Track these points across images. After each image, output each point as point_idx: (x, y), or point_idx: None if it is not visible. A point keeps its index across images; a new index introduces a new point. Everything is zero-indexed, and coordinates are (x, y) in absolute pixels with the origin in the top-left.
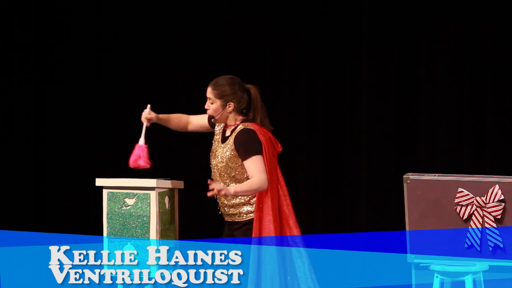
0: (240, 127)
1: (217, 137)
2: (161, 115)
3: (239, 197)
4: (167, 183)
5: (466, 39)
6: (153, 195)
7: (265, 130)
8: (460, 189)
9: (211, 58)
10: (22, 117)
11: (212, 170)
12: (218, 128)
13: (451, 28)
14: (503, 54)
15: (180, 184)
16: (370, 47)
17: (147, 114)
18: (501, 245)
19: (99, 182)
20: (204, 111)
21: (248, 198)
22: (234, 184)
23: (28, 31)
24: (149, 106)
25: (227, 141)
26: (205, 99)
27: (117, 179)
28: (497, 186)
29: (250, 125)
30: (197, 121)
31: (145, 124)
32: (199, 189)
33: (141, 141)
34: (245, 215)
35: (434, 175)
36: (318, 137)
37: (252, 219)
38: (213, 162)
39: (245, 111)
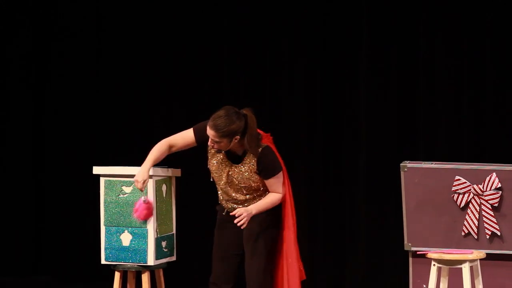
0: (259, 149)
1: (219, 157)
2: (149, 167)
3: (256, 199)
4: (164, 171)
5: (465, 27)
6: (150, 183)
7: (267, 135)
8: (457, 177)
9: (209, 54)
10: (20, 106)
11: (223, 186)
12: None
13: (450, 16)
14: (502, 42)
15: (177, 172)
16: (370, 36)
17: (143, 185)
18: (498, 233)
19: (97, 170)
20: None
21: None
22: (251, 194)
23: (26, 24)
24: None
25: (243, 162)
26: (202, 99)
27: (114, 167)
28: (494, 174)
29: (263, 142)
30: (183, 143)
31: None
32: (196, 177)
33: (143, 198)
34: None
35: (431, 163)
36: (317, 126)
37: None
38: (225, 180)
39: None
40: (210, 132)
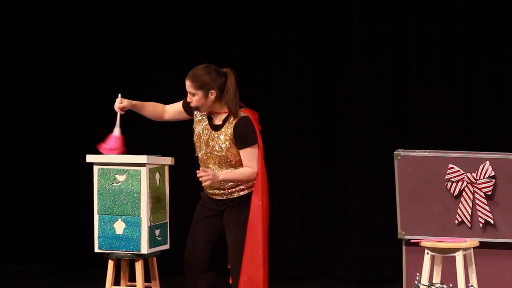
0: (237, 116)
1: (204, 124)
2: (134, 102)
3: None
4: (157, 159)
5: (457, 16)
6: (143, 171)
7: (253, 112)
8: (450, 165)
9: (198, 44)
10: (12, 95)
11: (203, 157)
12: (199, 115)
13: (442, 6)
14: (493, 30)
15: (170, 161)
16: (361, 21)
17: (119, 103)
18: (492, 222)
19: (90, 158)
20: (180, 98)
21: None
22: (228, 169)
23: (18, 16)
24: (120, 95)
25: (222, 130)
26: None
27: (108, 155)
28: (487, 162)
29: (244, 112)
30: (173, 109)
31: (118, 113)
32: (189, 165)
33: (116, 131)
34: (241, 192)
35: (425, 152)
36: (309, 113)
37: (247, 193)
38: (205, 149)
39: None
40: (186, 83)
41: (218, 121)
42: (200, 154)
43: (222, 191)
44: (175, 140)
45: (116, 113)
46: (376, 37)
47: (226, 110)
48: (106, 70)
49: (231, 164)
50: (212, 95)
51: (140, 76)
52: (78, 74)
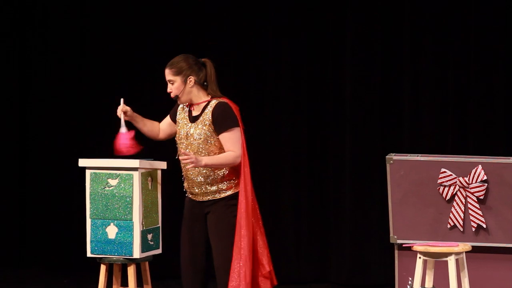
0: (214, 102)
1: (183, 121)
2: (136, 113)
3: (217, 172)
4: (150, 164)
5: (450, 21)
6: (136, 175)
7: (235, 104)
8: (443, 170)
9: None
10: (5, 99)
11: (184, 150)
12: (182, 114)
13: (436, 9)
14: (486, 36)
15: (162, 165)
16: (355, 24)
17: (122, 107)
18: (484, 226)
19: (82, 162)
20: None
21: (224, 174)
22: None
23: (11, 17)
24: (122, 99)
25: (200, 119)
26: None
27: (100, 159)
28: (480, 167)
29: (222, 99)
30: (164, 124)
31: (122, 117)
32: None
33: (123, 129)
34: (225, 192)
35: (417, 156)
36: (301, 117)
37: (232, 194)
38: (186, 142)
39: (206, 84)
40: (166, 71)
41: (196, 111)
42: (182, 146)
43: (203, 191)
44: (167, 145)
45: (120, 117)
46: (369, 41)
47: (205, 100)
48: (99, 75)
49: (211, 153)
50: (191, 81)
51: (136, 81)
52: (71, 79)
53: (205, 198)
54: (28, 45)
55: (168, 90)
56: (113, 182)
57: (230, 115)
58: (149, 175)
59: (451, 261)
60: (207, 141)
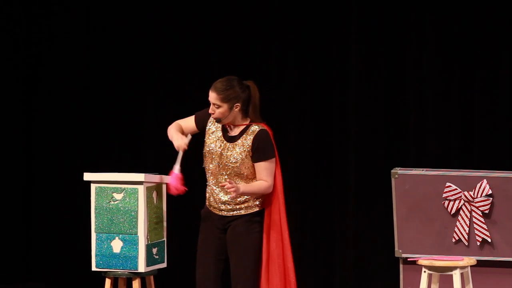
0: (256, 128)
1: (217, 134)
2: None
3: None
4: (155, 178)
5: (454, 33)
6: (141, 189)
7: (270, 129)
8: (448, 184)
9: (198, 50)
10: (10, 113)
11: (214, 169)
12: (213, 127)
13: (440, 21)
14: (491, 48)
15: (168, 179)
16: (359, 40)
17: (186, 144)
18: (489, 240)
19: (87, 176)
20: (178, 110)
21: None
22: (241, 182)
23: (17, 25)
24: (190, 135)
25: (239, 142)
26: (194, 96)
27: (105, 173)
28: (485, 181)
29: (262, 126)
30: (189, 127)
31: (181, 152)
32: (187, 184)
33: (177, 168)
34: (251, 208)
35: (422, 170)
36: (306, 132)
37: (257, 211)
38: (218, 160)
39: (248, 108)
40: (211, 95)
41: (234, 132)
42: (211, 165)
43: (229, 207)
44: (172, 159)
45: (179, 152)
46: (374, 55)
47: (245, 123)
48: (105, 88)
49: (242, 177)
50: (237, 108)
51: (140, 92)
52: (75, 92)
53: (230, 214)
54: (33, 56)
55: (211, 111)
56: (118, 196)
57: (271, 146)
58: (154, 189)
59: (456, 275)
60: (242, 164)
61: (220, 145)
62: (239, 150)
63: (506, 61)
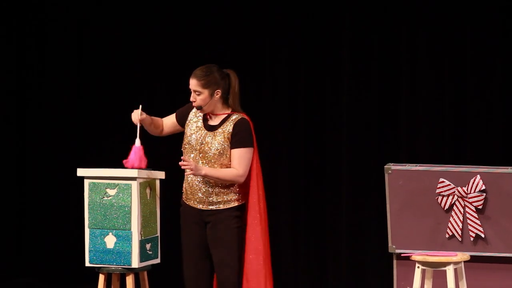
0: (236, 116)
1: (198, 124)
2: (151, 117)
3: (223, 185)
4: (148, 173)
5: (446, 29)
6: (134, 185)
7: (251, 121)
8: (441, 179)
9: (193, 46)
10: (3, 107)
11: (194, 159)
12: (194, 118)
13: (432, 17)
14: (483, 43)
15: (161, 175)
16: (351, 38)
17: (139, 114)
18: (482, 236)
19: (81, 172)
20: (173, 105)
21: (231, 185)
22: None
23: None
24: (141, 106)
25: (219, 130)
26: (188, 92)
27: (98, 169)
28: (478, 176)
29: (243, 115)
30: (169, 122)
31: (138, 125)
32: (180, 179)
33: (138, 141)
34: (230, 203)
35: (415, 165)
36: (298, 128)
37: (236, 206)
38: (199, 149)
39: (228, 96)
40: (191, 82)
41: (214, 122)
42: (191, 155)
43: (207, 200)
44: (166, 154)
45: (136, 125)
46: (366, 50)
47: (227, 112)
48: (98, 84)
49: (222, 166)
50: (218, 94)
51: (134, 88)
52: (69, 88)
53: (208, 207)
54: (26, 53)
55: (192, 99)
56: (111, 192)
57: (249, 134)
58: (147, 184)
59: (450, 270)
60: (222, 154)
61: (201, 135)
62: (220, 138)
63: (500, 55)
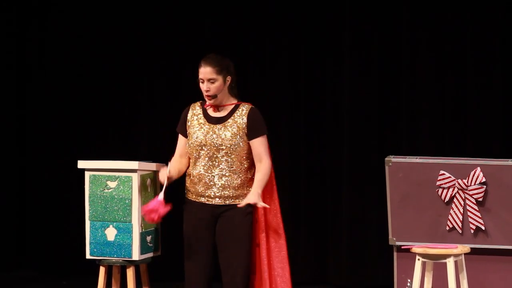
0: (246, 106)
1: (200, 121)
2: (173, 166)
3: (235, 178)
4: (149, 166)
5: (447, 21)
6: (135, 177)
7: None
8: (441, 172)
9: (192, 39)
10: (3, 100)
11: (207, 153)
12: (193, 117)
13: (433, 8)
14: (483, 35)
15: (162, 167)
16: (352, 28)
17: (166, 174)
18: (483, 228)
19: (81, 164)
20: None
21: (243, 179)
22: (235, 160)
23: (9, 17)
24: (170, 164)
25: (229, 121)
26: (188, 84)
27: (99, 161)
28: (478, 169)
29: (250, 105)
30: (182, 144)
31: (165, 184)
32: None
33: (161, 195)
34: (237, 200)
35: (416, 158)
36: (299, 118)
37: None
38: (210, 142)
39: (234, 86)
40: (205, 70)
41: (221, 113)
42: (202, 152)
43: (220, 195)
44: (166, 147)
45: (162, 184)
46: (367, 44)
47: (233, 102)
48: (99, 76)
49: (239, 156)
50: (228, 81)
51: (134, 80)
52: (70, 80)
53: (221, 202)
54: (26, 46)
55: (206, 88)
56: (112, 184)
57: (263, 122)
58: (148, 177)
59: (450, 263)
60: (238, 145)
61: (209, 128)
62: (234, 129)
63: (500, 46)
